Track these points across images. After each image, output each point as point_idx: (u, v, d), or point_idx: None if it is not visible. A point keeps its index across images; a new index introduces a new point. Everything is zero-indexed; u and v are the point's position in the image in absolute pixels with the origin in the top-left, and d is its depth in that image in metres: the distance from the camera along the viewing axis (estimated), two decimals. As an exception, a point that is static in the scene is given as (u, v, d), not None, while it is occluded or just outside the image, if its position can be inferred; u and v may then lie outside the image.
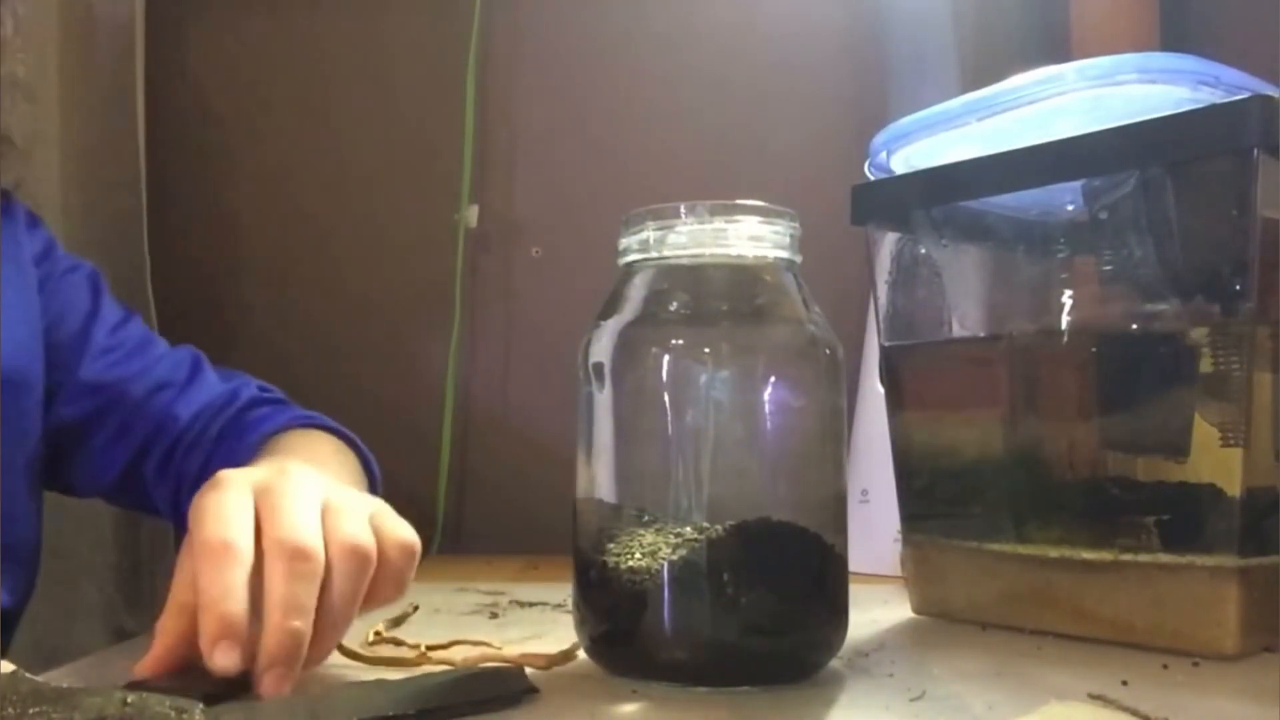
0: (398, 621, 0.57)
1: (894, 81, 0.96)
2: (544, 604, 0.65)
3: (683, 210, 0.46)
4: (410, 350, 1.04)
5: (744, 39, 1.02)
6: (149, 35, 1.00)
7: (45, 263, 0.71)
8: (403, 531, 0.46)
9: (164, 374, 0.72)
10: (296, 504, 0.44)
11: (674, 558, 0.43)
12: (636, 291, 0.46)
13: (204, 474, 0.66)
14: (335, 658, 0.48)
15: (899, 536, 0.63)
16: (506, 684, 0.43)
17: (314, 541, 0.42)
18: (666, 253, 0.46)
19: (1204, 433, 0.50)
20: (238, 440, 0.70)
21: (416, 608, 0.60)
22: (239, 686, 0.41)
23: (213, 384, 0.73)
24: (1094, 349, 0.56)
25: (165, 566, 0.97)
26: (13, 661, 0.41)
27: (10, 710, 0.37)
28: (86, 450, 0.70)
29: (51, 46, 0.87)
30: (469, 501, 1.04)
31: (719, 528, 0.43)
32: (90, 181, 0.93)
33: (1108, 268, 0.55)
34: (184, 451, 0.70)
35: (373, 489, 0.69)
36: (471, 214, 1.02)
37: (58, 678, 0.45)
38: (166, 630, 0.42)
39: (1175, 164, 0.50)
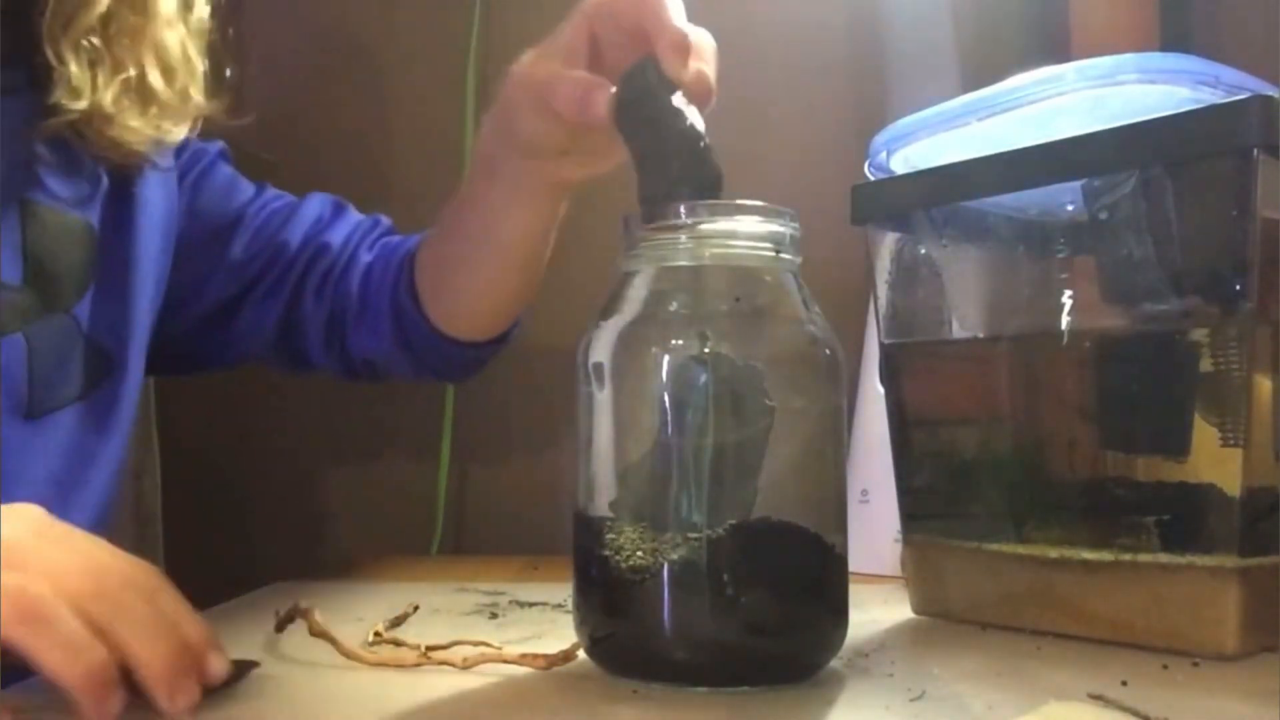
0: (398, 621, 0.57)
1: (894, 81, 0.96)
2: (544, 604, 0.65)
3: (683, 210, 0.46)
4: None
5: (743, 39, 1.02)
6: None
7: (187, 150, 0.72)
8: None
9: (312, 215, 0.76)
10: None
11: (674, 558, 0.43)
12: (636, 291, 0.46)
13: (365, 288, 0.74)
14: (336, 658, 0.48)
15: (899, 536, 0.63)
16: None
17: None
18: (666, 253, 0.46)
19: (1204, 433, 0.50)
20: (390, 254, 0.75)
21: (416, 608, 0.60)
22: None
23: (356, 214, 0.78)
24: (1094, 349, 0.56)
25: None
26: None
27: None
28: (241, 315, 0.73)
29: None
30: (469, 501, 1.04)
31: (719, 528, 0.43)
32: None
33: (1107, 268, 0.55)
34: (341, 271, 0.74)
35: None
36: (471, 214, 1.01)
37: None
38: None
39: (1175, 164, 0.50)
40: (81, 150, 0.62)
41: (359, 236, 0.76)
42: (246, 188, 0.76)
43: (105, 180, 0.65)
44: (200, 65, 0.65)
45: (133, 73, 0.61)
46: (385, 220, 0.79)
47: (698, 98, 0.52)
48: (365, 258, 0.75)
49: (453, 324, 0.73)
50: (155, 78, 0.62)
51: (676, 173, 0.48)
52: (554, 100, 0.56)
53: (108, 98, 0.59)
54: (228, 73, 0.69)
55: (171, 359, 0.73)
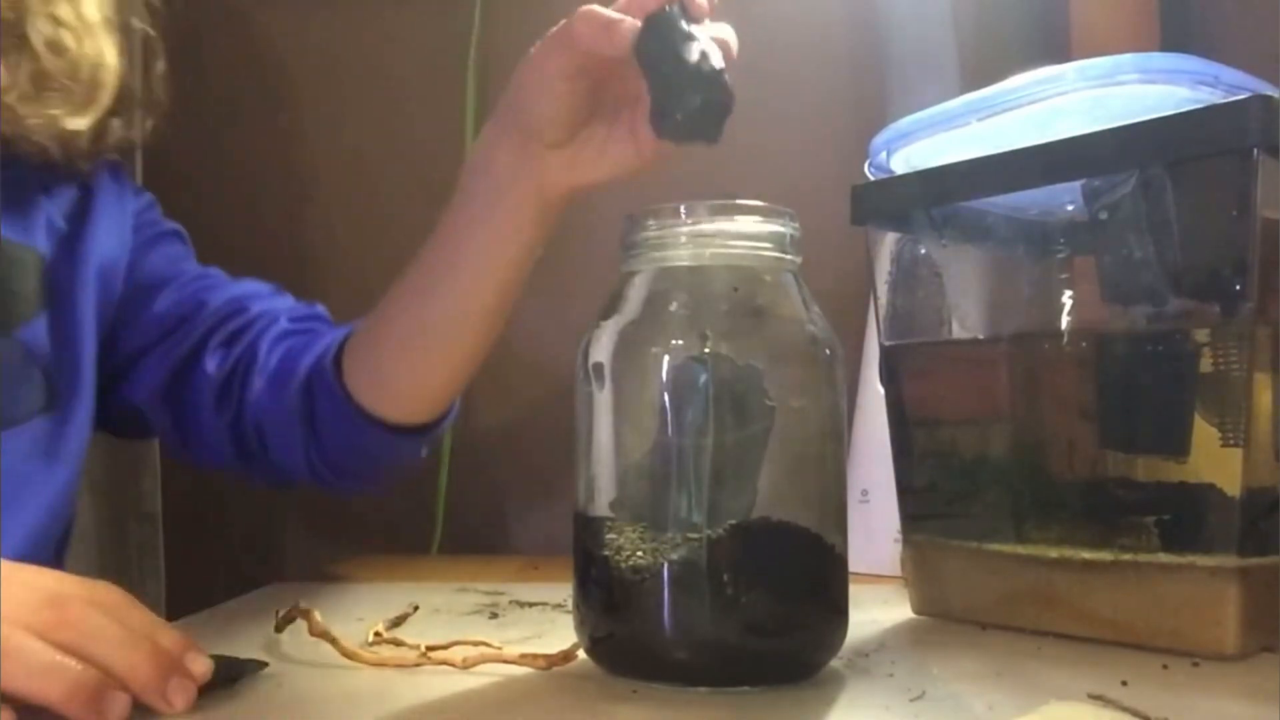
0: (398, 621, 0.57)
1: (894, 82, 0.96)
2: (544, 604, 0.65)
3: (683, 211, 0.46)
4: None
5: (743, 39, 1.02)
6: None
7: (147, 214, 0.74)
8: None
9: (248, 287, 0.75)
10: None
11: (674, 558, 0.43)
12: (636, 291, 0.46)
13: (279, 352, 0.70)
14: (336, 658, 0.48)
15: (899, 536, 0.63)
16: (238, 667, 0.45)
17: None
18: (666, 253, 0.46)
19: (1204, 433, 0.50)
20: (317, 334, 0.72)
21: (416, 608, 0.60)
22: None
23: (291, 299, 0.76)
24: (1094, 349, 0.56)
25: (153, 569, 0.96)
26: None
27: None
28: (139, 366, 0.71)
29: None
30: (469, 501, 1.04)
31: (719, 528, 0.43)
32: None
33: (1107, 268, 0.55)
34: (249, 330, 0.72)
35: None
36: (471, 214, 1.01)
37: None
38: None
39: (1175, 164, 0.50)
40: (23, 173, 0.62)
41: (284, 309, 0.74)
42: (193, 264, 0.75)
43: (55, 210, 0.65)
44: (113, 56, 0.63)
45: (27, 58, 0.59)
46: (322, 308, 0.77)
47: (719, 44, 0.53)
48: (284, 325, 0.72)
49: (390, 401, 0.68)
50: (49, 60, 0.60)
51: (691, 90, 0.50)
52: (575, 37, 0.56)
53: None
54: (158, 68, 0.68)
55: None
